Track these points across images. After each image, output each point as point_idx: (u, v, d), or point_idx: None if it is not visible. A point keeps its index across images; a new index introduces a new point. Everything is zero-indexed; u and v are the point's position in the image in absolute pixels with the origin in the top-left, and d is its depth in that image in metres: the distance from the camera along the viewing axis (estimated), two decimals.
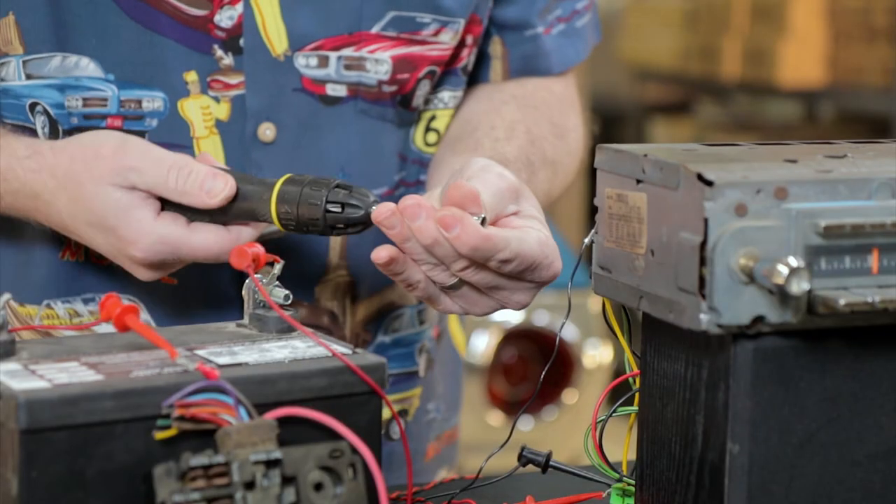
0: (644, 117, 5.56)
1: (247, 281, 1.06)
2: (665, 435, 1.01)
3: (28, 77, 1.30)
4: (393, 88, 1.38)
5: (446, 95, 1.44)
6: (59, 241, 1.34)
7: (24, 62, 1.30)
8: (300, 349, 0.99)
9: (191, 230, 1.21)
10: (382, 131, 1.39)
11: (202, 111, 1.32)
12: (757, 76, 4.64)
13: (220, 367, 0.94)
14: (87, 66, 1.31)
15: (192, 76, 1.32)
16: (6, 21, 1.30)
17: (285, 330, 1.04)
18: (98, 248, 1.24)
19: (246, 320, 1.06)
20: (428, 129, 1.43)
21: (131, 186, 1.20)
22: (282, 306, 1.04)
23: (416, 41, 1.37)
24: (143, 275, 1.24)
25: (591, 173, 1.09)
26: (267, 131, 1.33)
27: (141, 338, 0.97)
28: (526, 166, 1.37)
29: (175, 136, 1.31)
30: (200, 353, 0.98)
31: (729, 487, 0.95)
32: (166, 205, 1.21)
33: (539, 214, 1.20)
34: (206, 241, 1.21)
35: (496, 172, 1.19)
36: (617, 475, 1.10)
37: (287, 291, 1.06)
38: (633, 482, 1.08)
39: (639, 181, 1.00)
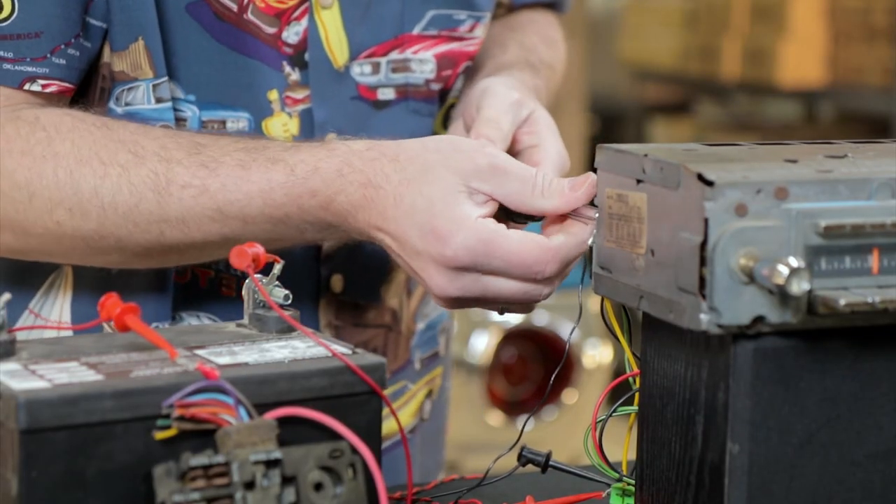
0: (644, 117, 5.57)
1: (247, 281, 1.06)
2: (665, 435, 1.01)
3: (158, 101, 1.28)
4: (439, 86, 1.40)
5: (460, 83, 1.46)
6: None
7: (153, 86, 1.28)
8: (300, 349, 0.99)
9: (509, 231, 1.13)
10: (426, 126, 1.40)
11: (283, 128, 1.32)
12: (757, 76, 4.63)
13: (220, 367, 0.94)
14: (171, 88, 1.29)
15: (273, 94, 1.31)
16: (136, 46, 1.26)
17: (285, 330, 1.04)
18: (406, 245, 1.15)
19: (246, 320, 1.06)
20: (447, 117, 1.45)
21: (480, 188, 1.14)
22: (282, 306, 1.04)
23: (455, 38, 1.40)
24: (442, 284, 1.14)
25: None
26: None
27: (141, 338, 0.97)
28: (527, 66, 1.44)
29: None
30: (200, 353, 0.98)
31: (729, 487, 0.95)
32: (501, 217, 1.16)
33: (547, 117, 1.32)
34: (523, 245, 1.12)
35: (502, 88, 1.31)
36: (617, 475, 1.10)
37: (287, 291, 1.06)
38: (633, 482, 1.08)
39: (639, 181, 1.00)
